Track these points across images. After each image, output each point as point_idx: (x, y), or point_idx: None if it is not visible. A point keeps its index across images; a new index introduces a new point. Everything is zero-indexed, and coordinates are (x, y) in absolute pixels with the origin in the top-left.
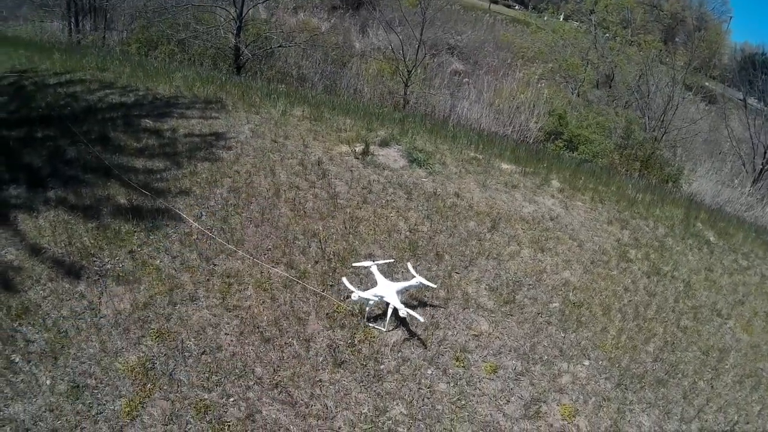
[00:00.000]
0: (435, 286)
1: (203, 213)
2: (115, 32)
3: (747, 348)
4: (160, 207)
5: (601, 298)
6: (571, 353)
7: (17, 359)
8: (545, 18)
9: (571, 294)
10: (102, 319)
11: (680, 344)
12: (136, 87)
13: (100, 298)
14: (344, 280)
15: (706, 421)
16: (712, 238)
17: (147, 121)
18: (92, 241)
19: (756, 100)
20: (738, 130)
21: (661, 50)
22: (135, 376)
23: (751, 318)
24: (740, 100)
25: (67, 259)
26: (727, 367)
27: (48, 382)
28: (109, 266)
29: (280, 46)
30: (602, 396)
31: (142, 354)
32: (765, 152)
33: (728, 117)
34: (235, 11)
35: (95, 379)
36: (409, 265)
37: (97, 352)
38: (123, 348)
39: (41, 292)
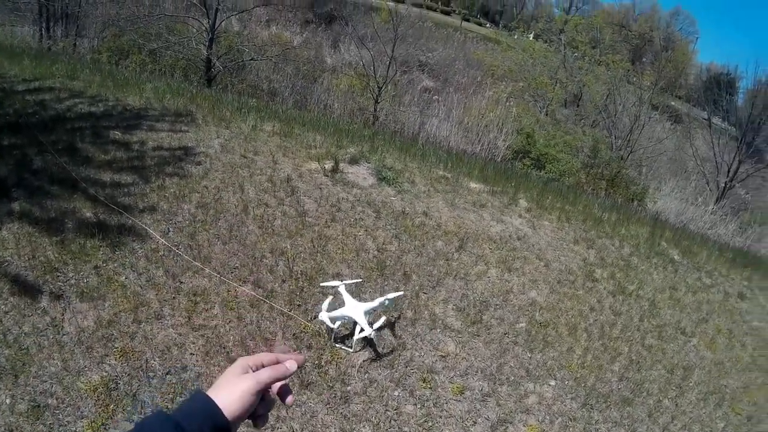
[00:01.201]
0: (402, 293)
1: (170, 229)
2: (86, 39)
3: (711, 365)
4: (127, 222)
5: (567, 317)
6: (537, 373)
7: None
8: (515, 37)
9: (537, 314)
10: (65, 336)
11: (645, 363)
12: (105, 97)
13: (63, 314)
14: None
15: None
16: (676, 257)
17: (116, 132)
18: (56, 256)
19: (720, 120)
20: (702, 149)
21: (628, 70)
22: (97, 397)
23: (714, 335)
24: (705, 119)
25: (30, 273)
26: (691, 384)
27: (8, 401)
28: (73, 282)
29: (251, 60)
30: (568, 416)
31: (105, 373)
32: (728, 171)
33: (693, 136)
34: (208, 23)
35: (57, 398)
36: (394, 293)
37: (59, 370)
38: (86, 367)
39: (2, 306)
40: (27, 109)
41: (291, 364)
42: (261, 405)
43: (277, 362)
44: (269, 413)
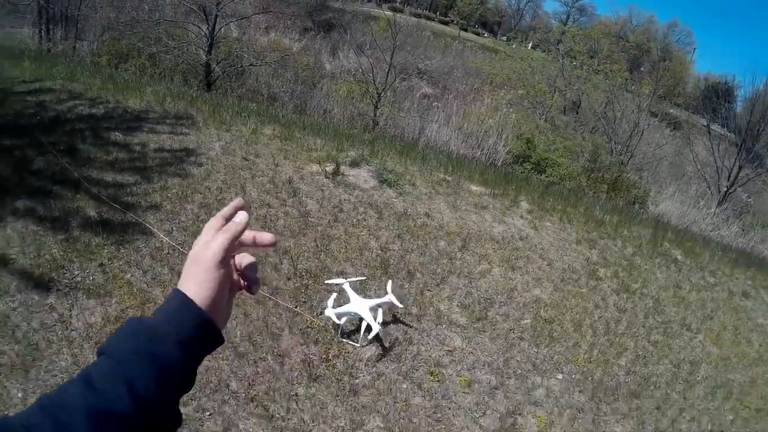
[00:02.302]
0: (401, 306)
1: (174, 228)
2: (85, 42)
3: (717, 360)
4: (131, 221)
5: (572, 314)
6: (544, 367)
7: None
8: (514, 46)
9: (542, 311)
10: (73, 332)
11: (652, 358)
12: (106, 99)
13: (70, 310)
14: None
15: (680, 430)
16: (679, 257)
17: (117, 134)
18: (62, 253)
19: (719, 127)
20: (702, 154)
21: (627, 79)
22: None
23: (720, 332)
24: (704, 126)
25: (36, 271)
26: (698, 378)
27: (19, 395)
28: (79, 279)
29: (251, 65)
30: (576, 408)
31: None
32: (729, 175)
33: (692, 142)
34: (207, 28)
35: None
36: (389, 283)
37: (69, 365)
38: (94, 361)
39: (10, 303)
40: (28, 110)
41: (240, 216)
42: (247, 269)
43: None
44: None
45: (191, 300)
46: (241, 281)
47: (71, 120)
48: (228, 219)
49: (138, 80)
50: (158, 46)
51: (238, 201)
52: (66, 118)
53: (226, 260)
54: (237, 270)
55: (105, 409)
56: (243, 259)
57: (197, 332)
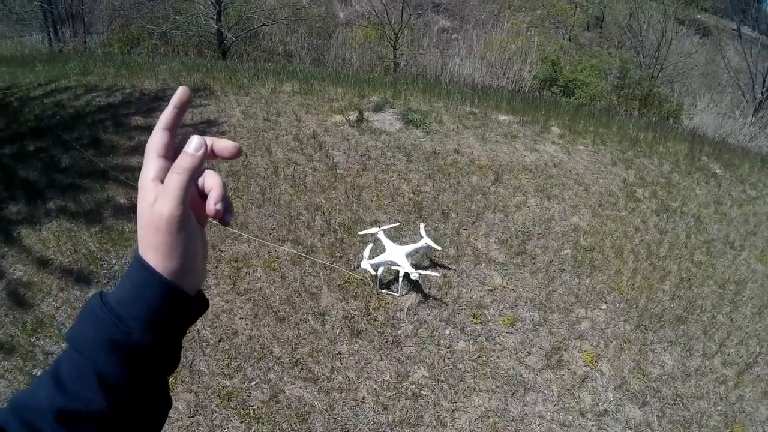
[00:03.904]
0: (439, 248)
1: None
2: (95, 35)
3: (763, 278)
4: None
5: (612, 240)
6: (587, 299)
7: (39, 373)
8: None
9: (581, 239)
10: None
11: (696, 280)
12: (122, 86)
13: None
14: (366, 249)
15: (728, 354)
16: (718, 171)
17: (137, 118)
18: (97, 245)
19: (750, 29)
20: (735, 60)
21: None
22: None
23: (764, 248)
24: (734, 30)
25: (75, 267)
26: (744, 299)
27: None
28: (117, 268)
29: (262, 26)
30: (623, 338)
31: None
32: (764, 81)
33: (723, 48)
34: None
35: None
36: (422, 227)
37: None
38: None
39: (53, 303)
40: (47, 112)
41: (194, 142)
42: (214, 191)
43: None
44: (228, 202)
45: (154, 272)
46: (211, 206)
47: (90, 113)
48: (171, 130)
49: (151, 61)
50: (167, 23)
51: (181, 94)
52: (85, 112)
53: (186, 213)
54: (200, 193)
55: (77, 411)
56: (206, 178)
57: (169, 309)
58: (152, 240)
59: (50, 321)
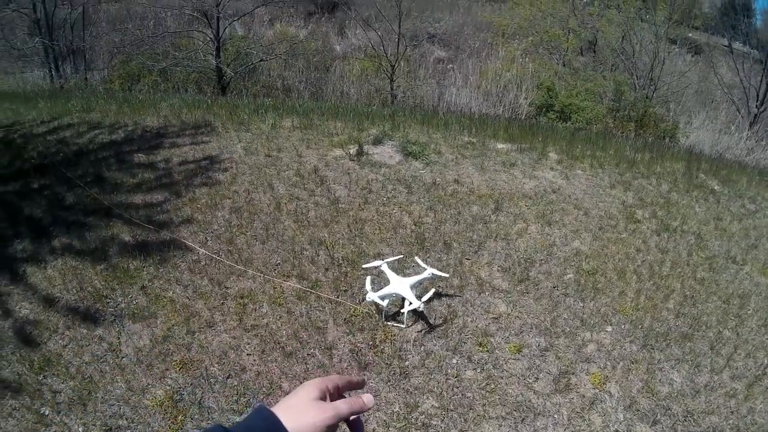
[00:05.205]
0: (447, 275)
1: (208, 238)
2: (96, 71)
3: (767, 290)
4: (165, 238)
5: (614, 262)
6: (592, 321)
7: (47, 411)
8: None
9: (583, 263)
10: (124, 358)
11: (700, 296)
12: (124, 123)
13: (119, 338)
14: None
15: (737, 368)
16: (716, 187)
17: (140, 155)
18: (103, 283)
19: (741, 44)
20: (728, 76)
21: (640, 8)
22: (165, 410)
23: (767, 261)
24: (725, 46)
25: (81, 305)
26: (749, 312)
27: (80, 429)
28: (123, 305)
29: (261, 61)
30: (630, 359)
31: (168, 387)
32: (757, 94)
33: (716, 65)
34: (212, 32)
35: (126, 419)
36: (418, 259)
37: (124, 392)
38: (149, 384)
39: (60, 341)
40: (50, 149)
41: (368, 399)
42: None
43: (349, 385)
44: None
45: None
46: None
47: (94, 150)
48: (342, 389)
49: (152, 98)
50: (167, 60)
51: (362, 378)
52: (88, 149)
53: (335, 426)
54: (339, 392)
55: None
56: (363, 398)
57: None
58: (301, 415)
59: (57, 359)
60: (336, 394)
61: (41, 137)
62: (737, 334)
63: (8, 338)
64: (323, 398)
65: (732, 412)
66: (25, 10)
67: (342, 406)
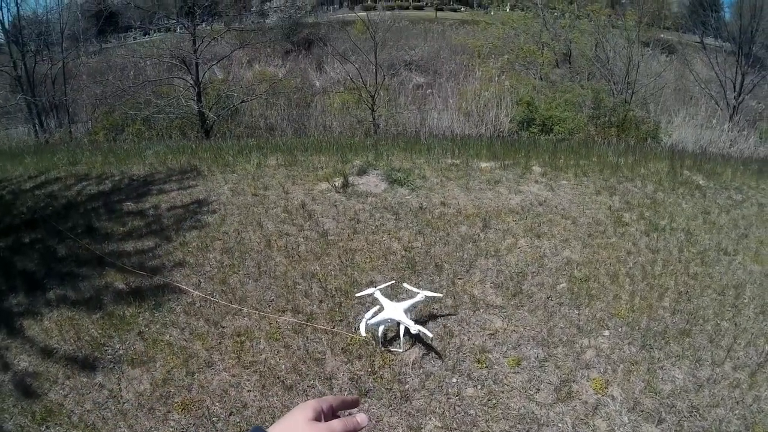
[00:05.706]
0: (440, 295)
1: (201, 280)
2: (80, 124)
3: (761, 278)
4: (159, 283)
5: (606, 267)
6: (589, 327)
7: None
8: (492, 13)
9: (575, 271)
10: (125, 404)
11: (694, 291)
12: (110, 173)
13: (119, 384)
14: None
15: (738, 358)
16: (701, 182)
17: (128, 203)
18: (100, 331)
19: (713, 39)
20: (703, 71)
21: (610, 15)
22: None
23: (758, 248)
24: (698, 42)
25: (80, 354)
26: (745, 301)
27: None
28: (121, 352)
29: (242, 102)
30: (629, 361)
31: (171, 429)
32: (734, 86)
33: (690, 62)
34: (192, 78)
35: None
36: (407, 285)
37: None
38: (152, 427)
39: (61, 391)
40: (39, 203)
41: (362, 418)
42: None
43: (343, 404)
44: None
45: None
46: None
47: (82, 202)
48: (336, 409)
49: (137, 146)
50: (149, 108)
51: (357, 398)
52: (77, 201)
53: None
54: (333, 412)
55: None
56: (357, 417)
57: None
58: None
59: (59, 409)
60: (330, 414)
61: (29, 192)
62: (735, 324)
63: (9, 391)
64: (318, 419)
65: (737, 403)
66: (6, 67)
67: (336, 425)
